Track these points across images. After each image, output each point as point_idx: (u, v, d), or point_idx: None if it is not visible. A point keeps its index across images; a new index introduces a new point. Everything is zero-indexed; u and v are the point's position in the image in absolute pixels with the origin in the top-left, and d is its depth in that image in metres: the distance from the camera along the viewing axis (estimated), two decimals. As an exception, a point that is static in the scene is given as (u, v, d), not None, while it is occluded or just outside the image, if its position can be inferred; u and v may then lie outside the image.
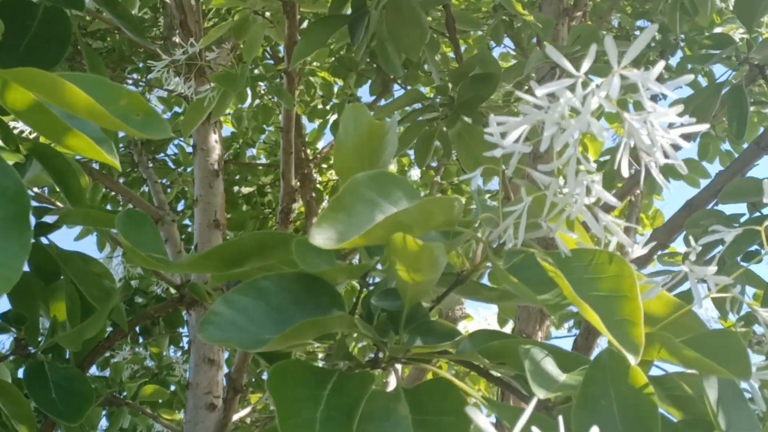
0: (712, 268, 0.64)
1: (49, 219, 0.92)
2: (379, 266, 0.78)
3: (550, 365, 0.68)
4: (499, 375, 0.76)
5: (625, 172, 0.70)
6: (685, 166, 2.36)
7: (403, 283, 0.68)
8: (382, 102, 2.96)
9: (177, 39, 2.36)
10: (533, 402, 0.50)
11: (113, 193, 3.10)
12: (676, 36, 2.32)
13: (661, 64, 0.66)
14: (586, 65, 0.65)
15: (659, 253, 1.80)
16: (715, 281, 0.64)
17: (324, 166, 3.80)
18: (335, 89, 3.48)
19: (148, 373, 2.80)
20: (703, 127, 0.68)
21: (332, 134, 3.50)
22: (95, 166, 2.83)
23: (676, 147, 0.68)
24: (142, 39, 1.14)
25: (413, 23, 1.45)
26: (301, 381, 0.65)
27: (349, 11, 1.50)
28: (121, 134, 2.96)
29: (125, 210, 0.79)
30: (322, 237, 0.63)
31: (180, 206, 3.36)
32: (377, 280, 0.82)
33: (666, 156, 0.67)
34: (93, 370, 2.98)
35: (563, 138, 0.64)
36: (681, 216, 1.80)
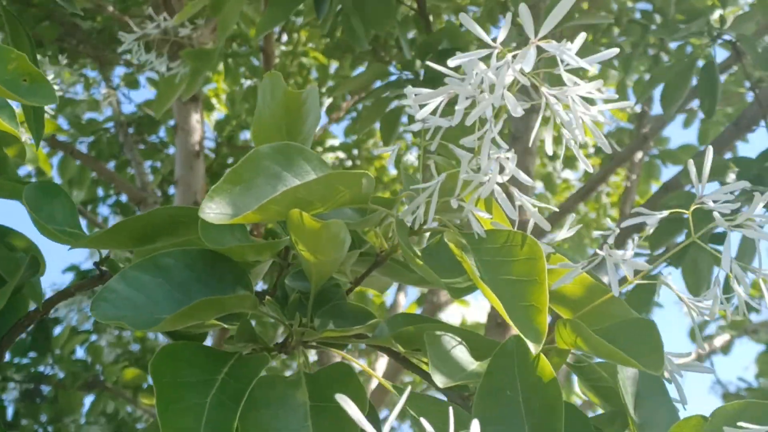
0: (629, 253, 0.60)
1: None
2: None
3: (461, 353, 0.64)
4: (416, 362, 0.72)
5: (549, 150, 0.66)
6: (680, 151, 2.30)
7: (306, 262, 0.64)
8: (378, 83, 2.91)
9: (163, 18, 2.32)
10: (406, 393, 0.47)
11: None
12: (672, 18, 2.27)
13: (582, 36, 0.62)
14: (502, 35, 0.62)
15: (634, 236, 1.75)
16: (633, 266, 0.60)
17: (320, 149, 3.75)
18: (331, 71, 3.44)
19: (132, 357, 2.77)
20: (628, 104, 0.64)
21: (326, 116, 3.45)
22: (80, 147, 2.81)
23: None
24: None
25: (378, -6, 1.41)
26: (191, 363, 0.61)
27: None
28: (108, 113, 2.93)
29: (36, 182, 0.76)
30: (213, 211, 0.59)
31: (171, 191, 3.32)
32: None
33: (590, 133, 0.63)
34: (80, 354, 2.95)
35: (476, 112, 0.60)
36: (657, 199, 1.75)
